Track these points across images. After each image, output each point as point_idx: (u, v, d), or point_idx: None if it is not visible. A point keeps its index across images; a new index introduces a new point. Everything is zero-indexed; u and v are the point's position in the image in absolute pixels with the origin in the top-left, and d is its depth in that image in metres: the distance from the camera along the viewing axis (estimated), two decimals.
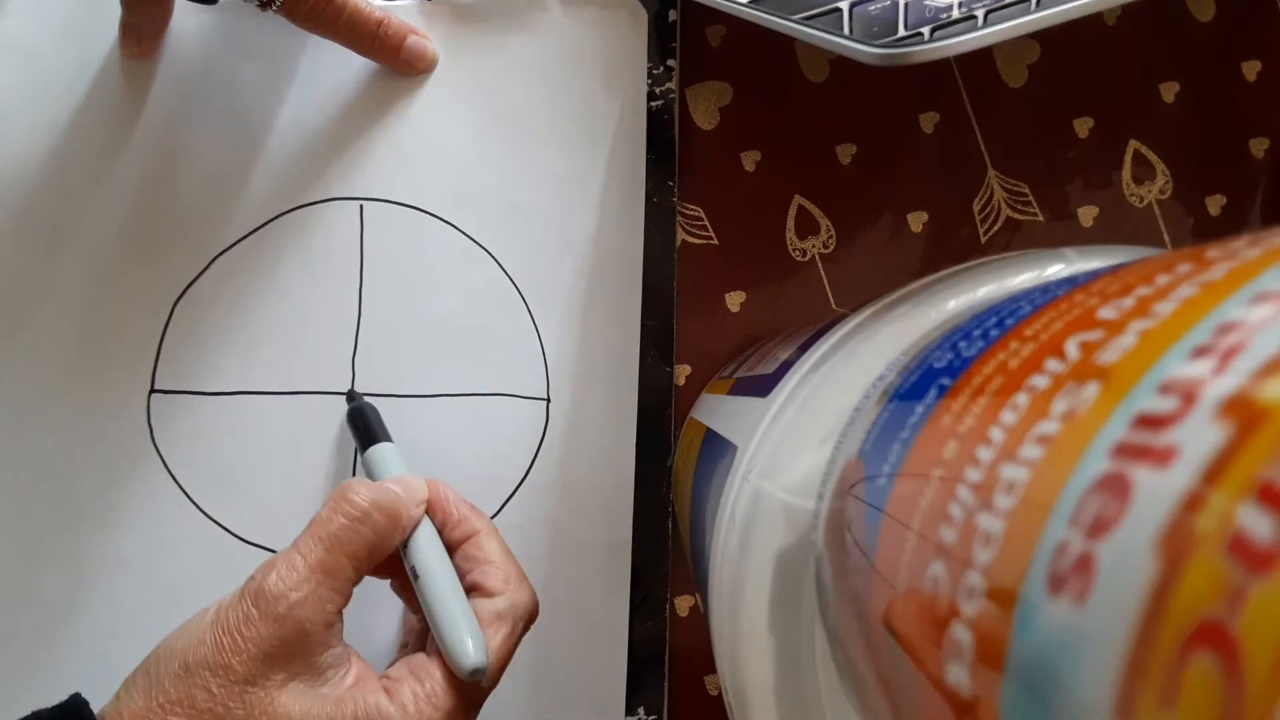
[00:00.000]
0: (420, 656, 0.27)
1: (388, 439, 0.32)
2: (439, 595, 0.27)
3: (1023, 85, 0.37)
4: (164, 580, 0.34)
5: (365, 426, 0.33)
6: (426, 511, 0.29)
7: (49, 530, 0.34)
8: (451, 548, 0.29)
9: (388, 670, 0.26)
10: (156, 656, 0.24)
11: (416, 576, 0.27)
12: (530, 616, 0.28)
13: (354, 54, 0.35)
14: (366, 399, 0.34)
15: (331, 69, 0.35)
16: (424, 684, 0.25)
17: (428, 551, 0.28)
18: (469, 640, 0.26)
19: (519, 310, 0.35)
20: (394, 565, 0.29)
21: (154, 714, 0.23)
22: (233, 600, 0.24)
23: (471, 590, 0.28)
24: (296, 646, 0.24)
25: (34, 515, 0.34)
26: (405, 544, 0.28)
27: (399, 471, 0.31)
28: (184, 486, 0.34)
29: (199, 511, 0.34)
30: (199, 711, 0.23)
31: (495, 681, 0.27)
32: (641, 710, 0.35)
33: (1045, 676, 0.09)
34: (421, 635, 0.29)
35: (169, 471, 0.34)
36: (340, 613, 0.25)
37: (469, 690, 0.26)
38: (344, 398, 0.35)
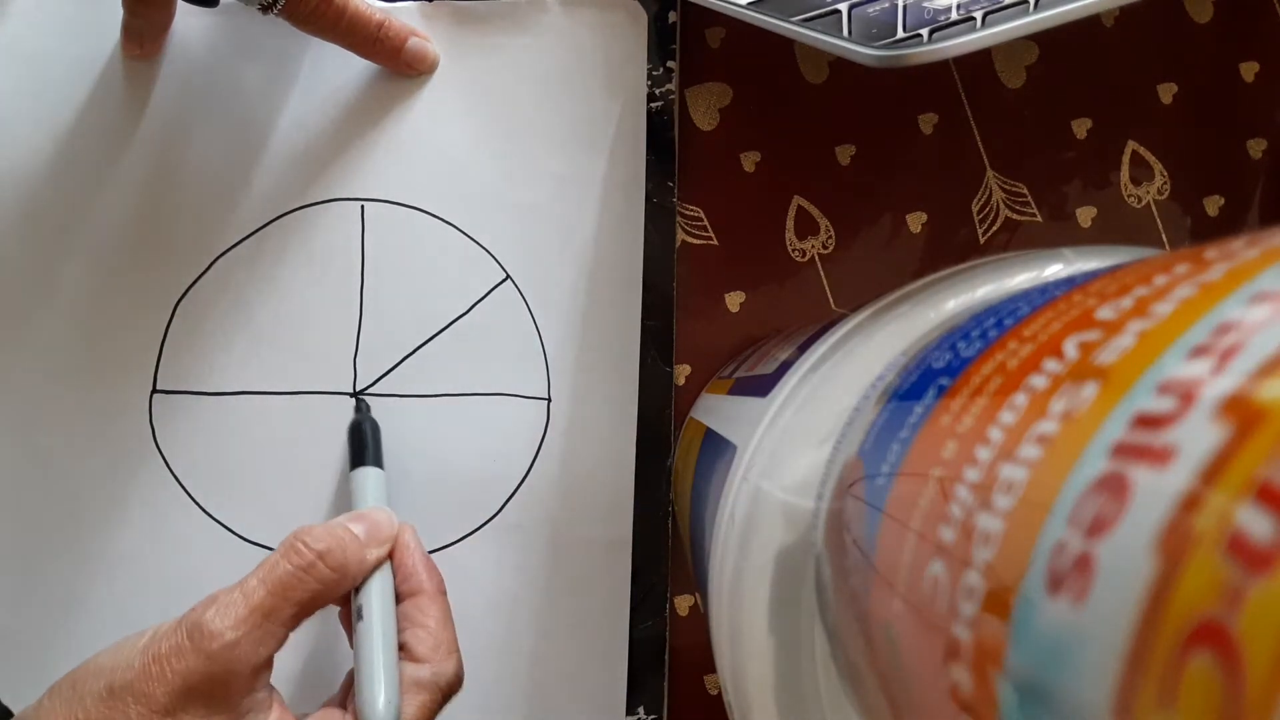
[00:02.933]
0: (336, 713, 0.26)
1: (377, 463, 0.32)
2: (370, 648, 0.27)
3: (1021, 86, 0.37)
4: (165, 579, 0.34)
5: (359, 445, 0.33)
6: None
7: (51, 529, 0.34)
8: (395, 599, 0.29)
9: (306, 717, 0.26)
10: (85, 671, 0.24)
11: (359, 619, 0.27)
12: (452, 689, 0.28)
13: (355, 56, 0.35)
14: (370, 416, 0.34)
15: (333, 71, 0.35)
16: None
17: (375, 600, 0.28)
18: (381, 698, 0.26)
19: (519, 310, 0.35)
20: (347, 595, 0.29)
21: None
22: (169, 629, 0.24)
23: (399, 650, 0.28)
24: (222, 686, 0.24)
25: (36, 514, 0.34)
26: (359, 585, 0.28)
27: (375, 502, 0.31)
28: (185, 486, 0.34)
29: (200, 510, 0.34)
30: None
31: None
32: (641, 710, 0.35)
33: (1044, 675, 0.09)
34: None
35: (171, 471, 0.34)
36: (272, 658, 0.25)
37: None
38: (351, 400, 0.35)
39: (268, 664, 0.25)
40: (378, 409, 0.35)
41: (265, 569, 0.26)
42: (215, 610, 0.24)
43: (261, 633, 0.24)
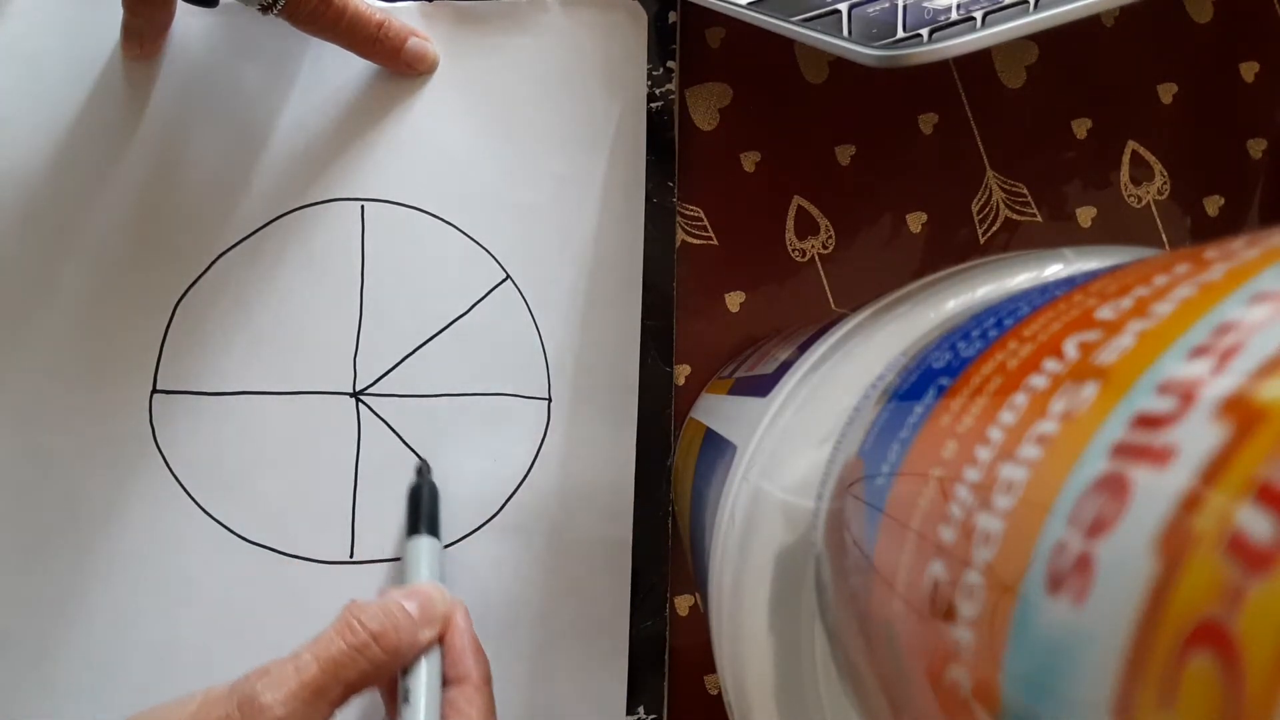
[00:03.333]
0: None
1: (433, 531, 0.32)
2: None
3: (1021, 86, 0.37)
4: (165, 579, 0.34)
5: (416, 512, 0.33)
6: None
7: (51, 530, 0.34)
8: (441, 683, 0.28)
9: None
10: None
11: (405, 702, 0.27)
12: None
13: (355, 56, 0.35)
14: (430, 480, 0.34)
15: (332, 71, 0.35)
16: None
17: (422, 685, 0.27)
18: None
19: (519, 310, 0.35)
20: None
21: None
22: (220, 696, 0.24)
23: None
24: None
25: (36, 515, 0.34)
26: (407, 667, 0.28)
27: (429, 575, 0.31)
28: (186, 486, 0.34)
29: (201, 511, 0.34)
30: None
31: None
32: (641, 710, 0.35)
33: (1044, 676, 0.09)
34: None
35: (171, 471, 0.34)
36: None
37: None
38: (351, 400, 0.35)
39: None
40: (378, 409, 0.35)
41: (320, 645, 0.26)
42: (266, 682, 0.24)
43: (309, 710, 0.24)
